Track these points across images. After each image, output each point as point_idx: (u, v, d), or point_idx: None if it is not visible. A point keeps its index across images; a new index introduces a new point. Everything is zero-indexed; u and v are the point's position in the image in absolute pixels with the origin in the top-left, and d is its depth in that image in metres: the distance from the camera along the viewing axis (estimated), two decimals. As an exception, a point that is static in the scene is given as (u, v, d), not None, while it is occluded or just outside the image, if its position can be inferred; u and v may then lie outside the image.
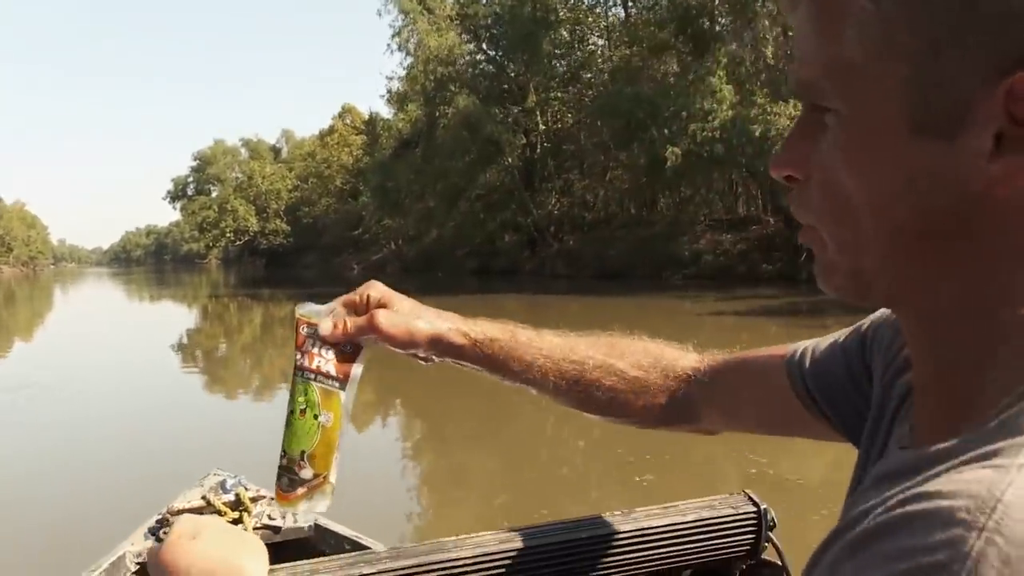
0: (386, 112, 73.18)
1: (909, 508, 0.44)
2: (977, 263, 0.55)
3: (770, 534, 1.44)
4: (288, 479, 1.03)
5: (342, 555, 1.21)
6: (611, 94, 36.07)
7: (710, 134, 30.58)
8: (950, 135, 0.52)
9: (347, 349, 1.06)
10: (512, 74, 45.13)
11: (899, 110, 0.53)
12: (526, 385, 1.12)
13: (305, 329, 1.06)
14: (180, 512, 1.37)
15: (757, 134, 27.74)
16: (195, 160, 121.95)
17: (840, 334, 0.99)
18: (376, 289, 1.08)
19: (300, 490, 1.03)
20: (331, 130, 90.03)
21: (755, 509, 1.43)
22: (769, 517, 1.44)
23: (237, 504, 1.58)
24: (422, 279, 47.72)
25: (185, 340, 20.39)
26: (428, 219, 52.78)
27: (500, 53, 45.33)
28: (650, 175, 36.12)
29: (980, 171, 0.51)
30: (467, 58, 46.58)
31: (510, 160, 44.15)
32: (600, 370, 1.12)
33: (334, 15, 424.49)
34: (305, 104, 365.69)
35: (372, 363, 1.07)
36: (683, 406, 1.14)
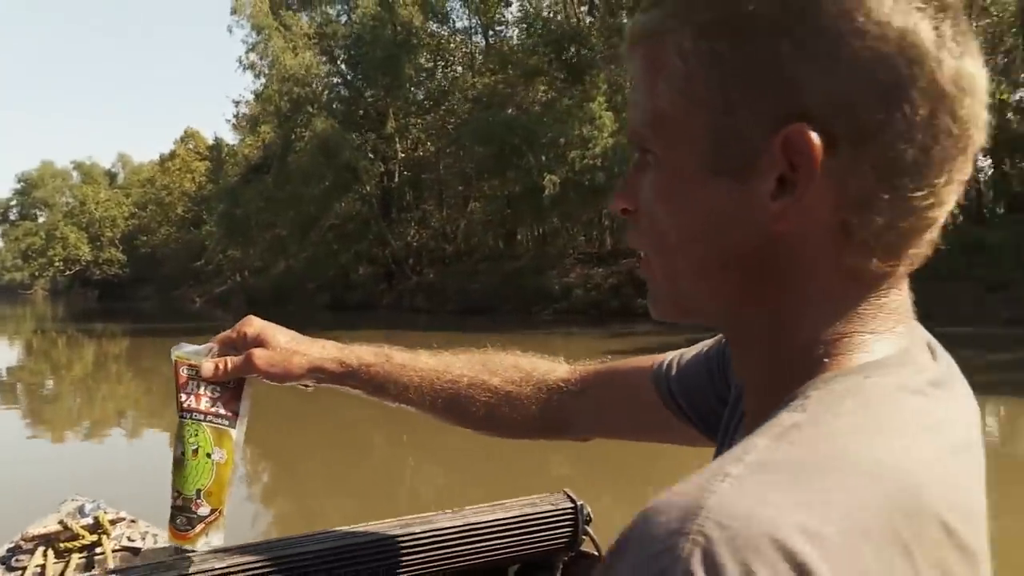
0: (231, 138, 70.32)
1: (638, 521, 0.49)
2: (770, 293, 0.64)
3: (587, 527, 1.53)
4: (185, 518, 1.09)
5: (195, 553, 1.21)
6: (481, 120, 34.57)
7: (591, 162, 29.42)
8: (743, 178, 0.61)
9: (231, 385, 1.13)
10: (370, 99, 43.03)
11: (701, 156, 0.63)
12: (406, 405, 1.19)
13: (186, 371, 1.12)
14: (35, 538, 1.35)
15: (639, 163, 26.86)
16: (19, 182, 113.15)
17: (707, 343, 1.06)
18: (252, 326, 1.15)
19: (199, 527, 1.09)
20: (172, 155, 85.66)
21: (572, 505, 1.53)
22: (585, 512, 1.53)
23: (96, 527, 1.48)
24: (271, 313, 43.08)
25: (4, 377, 18.95)
26: (278, 250, 50.00)
27: (359, 76, 43.11)
28: (526, 205, 34.83)
29: (767, 210, 0.60)
30: (324, 80, 44.24)
31: (368, 188, 41.83)
32: (474, 388, 1.19)
33: (176, 32, 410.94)
34: (143, 128, 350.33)
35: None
36: (556, 417, 1.20)
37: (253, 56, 43.38)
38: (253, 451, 9.19)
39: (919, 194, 0.59)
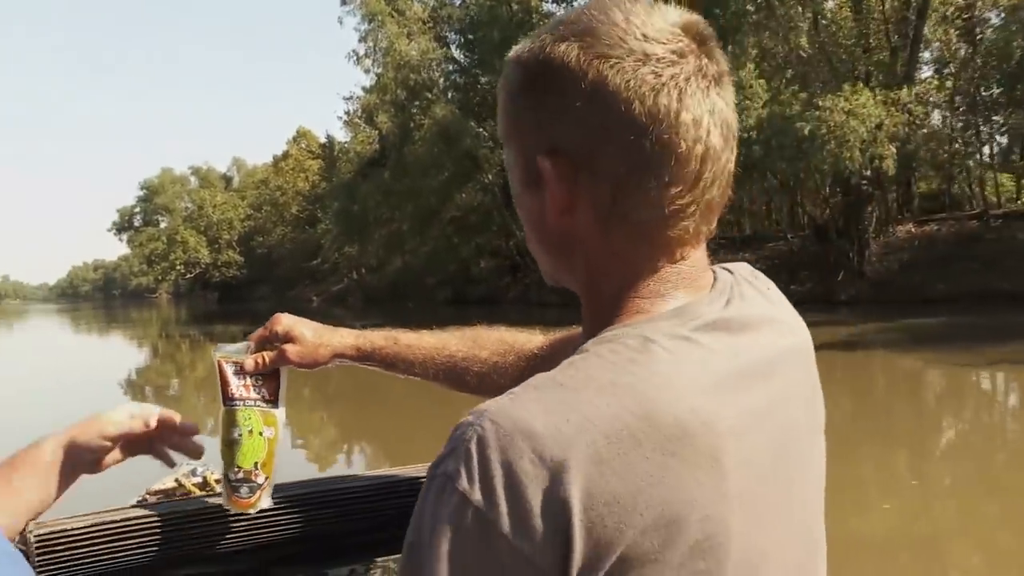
0: (343, 135, 69.37)
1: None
2: (576, 270, 0.88)
3: None
4: (248, 487, 1.30)
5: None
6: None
7: (744, 134, 26.77)
8: (536, 190, 0.85)
9: (269, 372, 1.35)
10: (487, 85, 41.01)
11: (517, 173, 0.88)
12: (413, 377, 1.45)
13: (230, 367, 1.34)
14: (156, 492, 1.58)
15: (806, 132, 23.78)
16: (141, 190, 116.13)
17: None
18: (281, 323, 1.38)
19: (258, 493, 1.31)
20: (285, 155, 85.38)
21: None
22: None
23: (204, 484, 1.70)
24: (389, 311, 43.88)
25: (134, 378, 19.91)
26: (396, 245, 48.84)
27: (475, 61, 41.27)
28: None
29: (550, 210, 0.84)
30: (440, 66, 42.54)
31: (489, 177, 39.91)
32: (467, 360, 1.44)
33: (284, 38, 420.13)
34: (255, 132, 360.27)
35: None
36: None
37: (365, 46, 42.04)
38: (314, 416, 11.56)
39: (639, 195, 0.80)
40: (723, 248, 33.34)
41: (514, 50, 0.88)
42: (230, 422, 1.32)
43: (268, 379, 1.36)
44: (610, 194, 0.80)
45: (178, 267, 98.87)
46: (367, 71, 44.27)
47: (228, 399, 1.32)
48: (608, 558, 0.68)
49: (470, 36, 40.53)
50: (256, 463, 1.31)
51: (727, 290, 0.88)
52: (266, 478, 1.32)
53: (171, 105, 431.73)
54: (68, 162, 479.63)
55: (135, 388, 17.26)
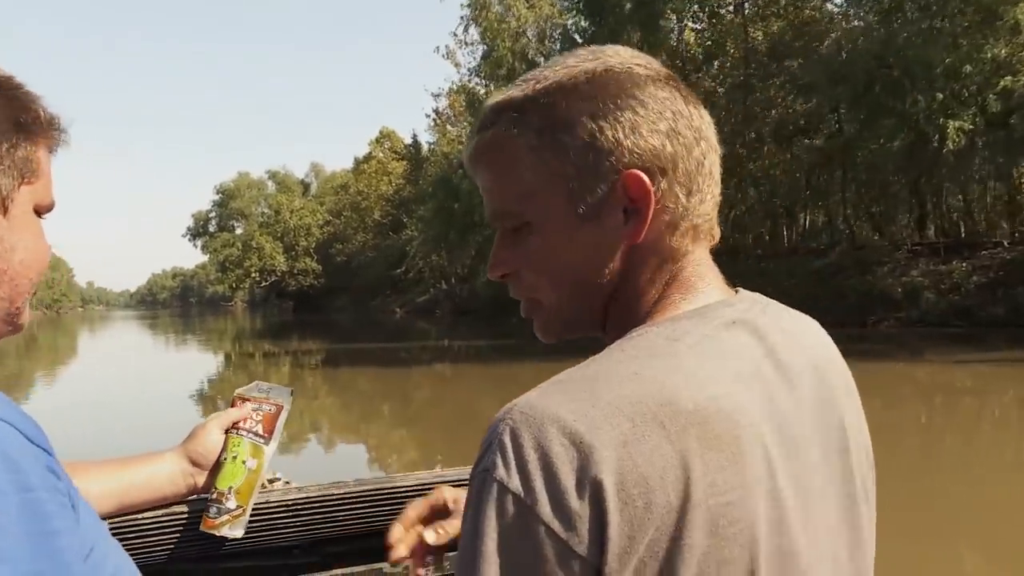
0: (428, 137, 64.75)
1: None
2: (625, 289, 0.88)
3: None
4: (216, 508, 1.36)
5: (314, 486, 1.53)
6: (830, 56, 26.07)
7: None
8: (595, 221, 0.85)
9: (271, 410, 1.46)
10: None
11: (559, 214, 0.86)
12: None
13: (239, 401, 1.47)
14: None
15: None
16: (217, 194, 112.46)
17: None
18: None
19: (224, 517, 1.36)
20: (368, 157, 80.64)
21: None
22: None
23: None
24: (484, 325, 38.44)
25: (206, 390, 19.19)
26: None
27: (603, 30, 34.97)
28: (905, 165, 25.51)
29: (618, 235, 0.85)
30: (562, 35, 36.55)
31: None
32: None
33: (366, 38, 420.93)
34: (334, 138, 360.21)
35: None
36: None
37: (470, 19, 36.40)
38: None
39: (700, 194, 0.86)
40: (915, 256, 26.58)
41: (516, 92, 0.88)
42: (224, 446, 1.41)
43: (268, 417, 1.45)
44: (685, 196, 0.85)
45: (253, 274, 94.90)
46: (474, 44, 38.76)
47: (230, 428, 1.43)
48: (641, 540, 0.71)
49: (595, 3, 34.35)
50: (230, 487, 1.37)
51: (756, 301, 0.92)
52: (239, 506, 1.38)
53: (251, 110, 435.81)
54: (151, 168, 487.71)
55: (206, 401, 16.64)
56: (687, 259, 0.88)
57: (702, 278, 0.89)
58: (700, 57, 35.99)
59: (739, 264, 32.45)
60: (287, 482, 1.55)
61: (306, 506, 1.48)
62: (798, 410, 0.84)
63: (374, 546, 1.46)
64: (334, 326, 52.33)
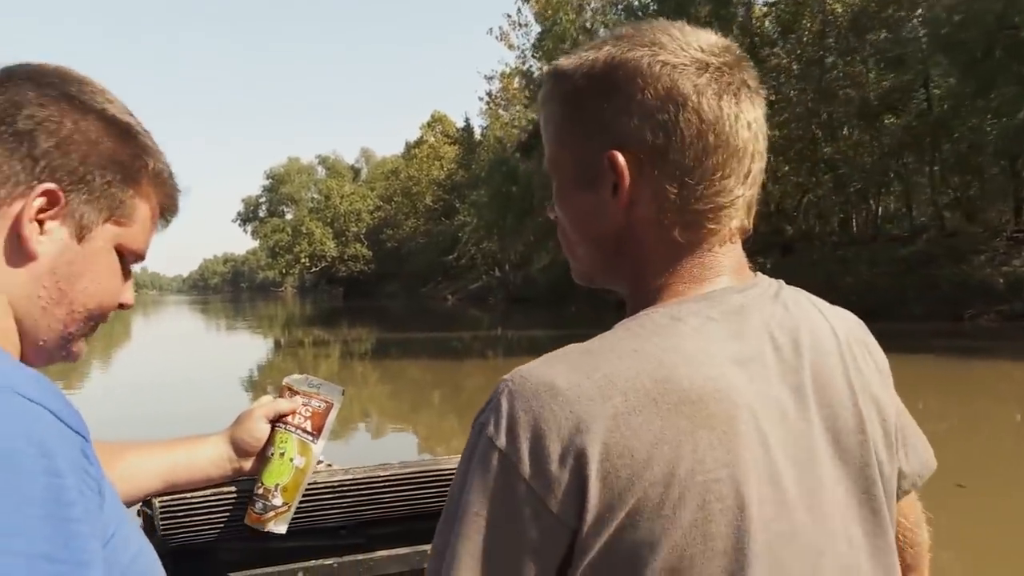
0: (479, 121, 63.64)
1: None
2: (624, 261, 0.94)
3: None
4: (262, 504, 1.36)
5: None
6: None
7: None
8: (593, 189, 0.92)
9: (320, 406, 1.43)
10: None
11: (570, 175, 0.95)
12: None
13: (288, 393, 1.44)
14: None
15: None
16: (267, 179, 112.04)
17: None
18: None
19: (270, 514, 1.37)
20: (419, 142, 79.48)
21: None
22: None
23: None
24: (540, 313, 37.46)
25: (255, 377, 18.90)
26: (553, 235, 41.08)
27: (667, 4, 33.07)
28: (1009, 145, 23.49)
29: (611, 207, 0.91)
30: (625, 7, 34.82)
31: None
32: None
33: (413, 25, 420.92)
34: (384, 123, 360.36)
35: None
36: None
37: (523, 15, 34.96)
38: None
39: (701, 186, 0.88)
40: (1016, 242, 24.51)
41: (566, 61, 0.96)
42: (270, 440, 1.40)
43: (317, 414, 1.42)
44: (676, 185, 0.88)
45: (303, 260, 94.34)
46: (528, 26, 37.31)
47: (277, 420, 1.41)
48: (621, 508, 0.76)
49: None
50: (277, 484, 1.37)
51: (768, 288, 0.94)
52: (284, 503, 1.38)
53: (301, 96, 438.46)
54: (203, 154, 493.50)
55: (255, 386, 16.53)
56: (693, 250, 0.91)
57: (709, 269, 0.91)
58: (774, 33, 33.91)
59: (814, 251, 30.57)
60: (329, 465, 1.52)
61: (353, 487, 1.49)
62: (800, 395, 0.87)
63: (419, 528, 1.52)
64: (384, 313, 51.74)
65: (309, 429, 1.42)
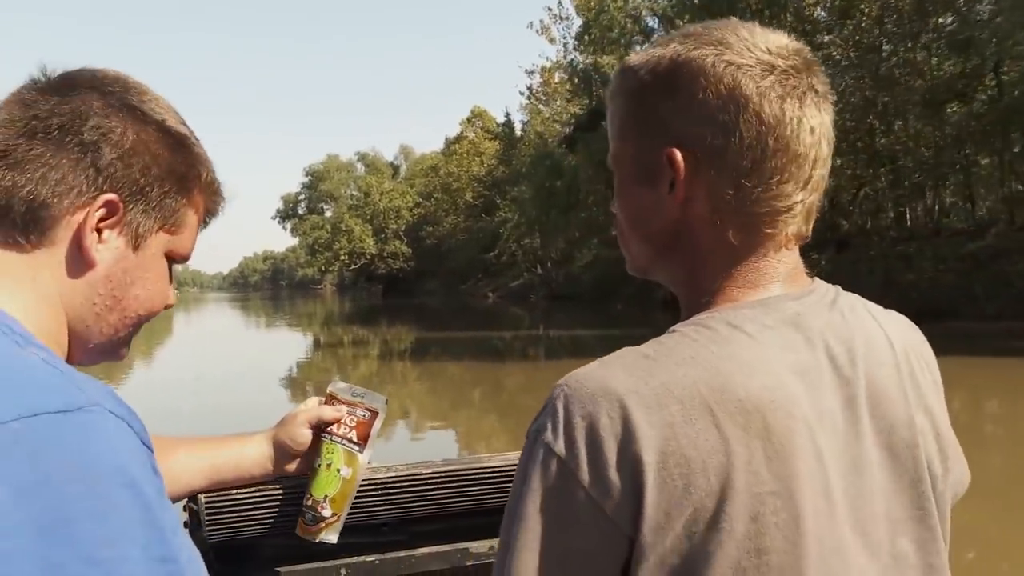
0: (519, 116, 62.96)
1: None
2: (678, 259, 0.95)
3: None
4: (312, 516, 1.37)
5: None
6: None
7: None
8: (651, 185, 0.93)
9: (365, 416, 1.41)
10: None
11: (630, 170, 0.96)
12: None
13: (334, 403, 1.42)
14: None
15: None
16: (306, 176, 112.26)
17: None
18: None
19: (320, 525, 1.37)
20: (459, 137, 78.74)
21: None
22: None
23: None
24: (583, 311, 37.34)
25: (294, 374, 19.11)
26: (596, 231, 40.60)
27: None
28: None
29: (667, 204, 0.92)
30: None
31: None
32: None
33: (451, 21, 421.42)
34: (423, 120, 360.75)
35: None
36: None
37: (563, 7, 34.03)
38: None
39: (759, 189, 0.88)
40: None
41: (635, 57, 0.97)
42: (316, 451, 1.40)
43: (362, 423, 1.41)
44: (732, 187, 0.88)
45: (342, 257, 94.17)
46: (569, 19, 36.44)
47: (323, 429, 1.40)
48: (677, 518, 0.76)
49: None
50: (325, 496, 1.37)
51: (825, 296, 0.93)
52: (334, 514, 1.38)
53: (339, 93, 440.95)
54: (241, 152, 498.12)
55: (295, 384, 16.88)
56: (748, 254, 0.90)
57: (764, 274, 0.91)
58: (831, 19, 32.54)
59: (871, 247, 29.22)
60: (368, 461, 1.52)
61: (395, 485, 1.50)
62: (853, 407, 0.86)
63: (461, 526, 1.54)
64: (424, 310, 51.59)
65: (355, 439, 1.40)
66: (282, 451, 1.40)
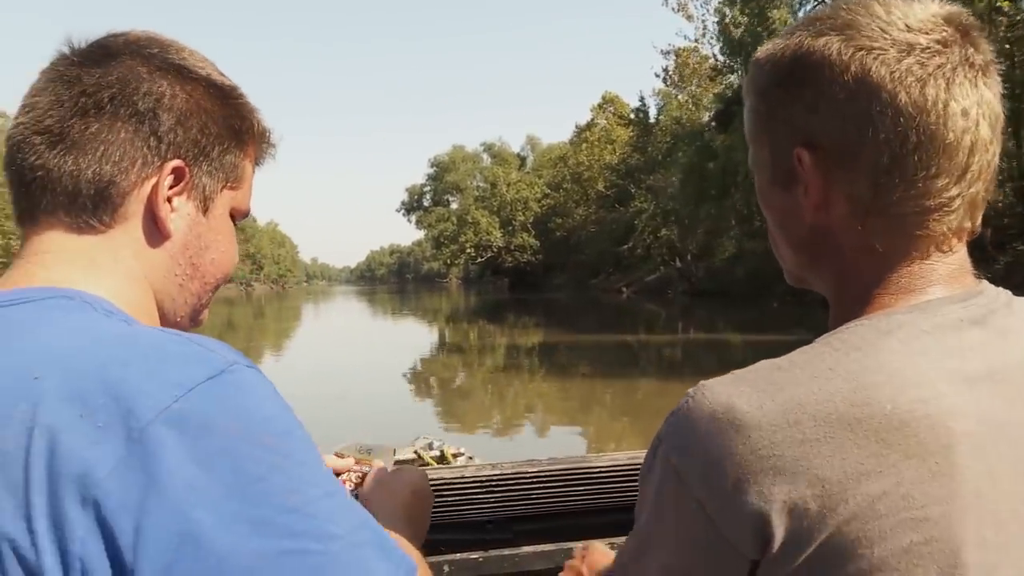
0: (654, 101, 59.14)
1: None
2: (824, 266, 0.88)
3: None
4: None
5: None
6: None
7: None
8: (787, 189, 0.87)
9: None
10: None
11: (767, 173, 0.90)
12: None
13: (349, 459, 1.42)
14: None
15: None
16: (432, 167, 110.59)
17: None
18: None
19: None
20: (590, 124, 75.18)
21: None
22: None
23: (441, 458, 1.67)
24: (727, 309, 34.10)
25: (419, 369, 19.00)
26: (745, 219, 36.96)
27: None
28: None
29: (804, 208, 0.86)
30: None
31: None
32: None
33: (576, 18, 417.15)
34: (548, 112, 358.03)
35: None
36: None
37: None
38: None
39: (902, 188, 0.79)
40: None
41: (761, 50, 0.90)
42: None
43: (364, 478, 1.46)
44: (870, 187, 0.80)
45: (468, 250, 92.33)
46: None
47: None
48: (809, 545, 0.70)
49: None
50: None
51: (992, 299, 0.84)
52: None
53: (466, 88, 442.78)
54: (368, 145, 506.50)
55: (418, 378, 17.18)
56: (899, 258, 0.82)
57: (920, 278, 0.82)
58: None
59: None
60: (470, 457, 1.49)
61: (500, 482, 1.48)
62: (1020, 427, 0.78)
63: (565, 525, 1.51)
64: (552, 305, 48.79)
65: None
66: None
